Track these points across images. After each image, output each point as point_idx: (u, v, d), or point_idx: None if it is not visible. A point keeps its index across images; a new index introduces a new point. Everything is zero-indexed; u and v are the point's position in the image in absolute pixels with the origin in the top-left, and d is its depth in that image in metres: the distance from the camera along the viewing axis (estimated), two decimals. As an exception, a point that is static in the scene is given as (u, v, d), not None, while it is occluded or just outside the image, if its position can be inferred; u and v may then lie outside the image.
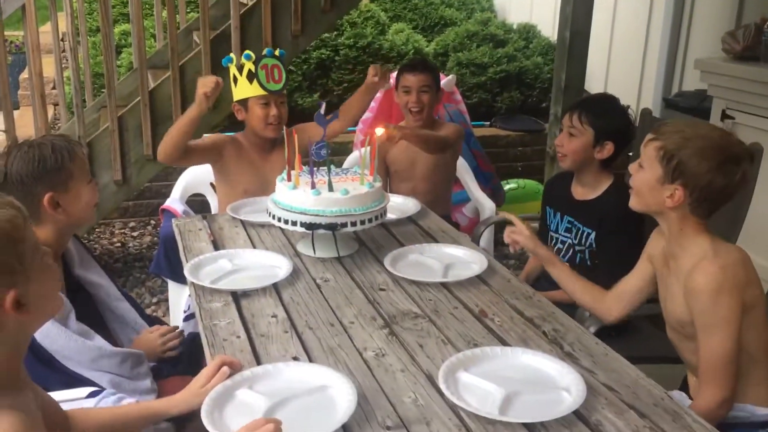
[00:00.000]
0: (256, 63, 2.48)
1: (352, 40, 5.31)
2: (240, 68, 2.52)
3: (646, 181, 1.74)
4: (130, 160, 3.41)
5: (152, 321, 2.16)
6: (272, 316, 1.77)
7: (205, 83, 2.43)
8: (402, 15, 6.16)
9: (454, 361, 1.52)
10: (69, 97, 4.26)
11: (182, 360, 2.05)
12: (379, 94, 4.52)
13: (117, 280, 3.70)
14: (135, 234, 4.52)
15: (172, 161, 2.59)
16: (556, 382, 1.47)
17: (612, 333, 2.06)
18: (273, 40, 3.38)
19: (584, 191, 2.41)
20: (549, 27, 6.08)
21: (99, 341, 1.74)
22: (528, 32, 6.07)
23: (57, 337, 1.68)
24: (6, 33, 6.85)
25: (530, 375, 1.50)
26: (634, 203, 1.81)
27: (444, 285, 1.94)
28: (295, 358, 1.58)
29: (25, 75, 5.52)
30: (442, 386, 1.43)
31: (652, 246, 1.88)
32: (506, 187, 4.62)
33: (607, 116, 2.35)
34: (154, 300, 3.67)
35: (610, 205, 2.32)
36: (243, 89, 2.55)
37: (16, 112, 5.74)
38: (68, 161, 1.82)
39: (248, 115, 2.61)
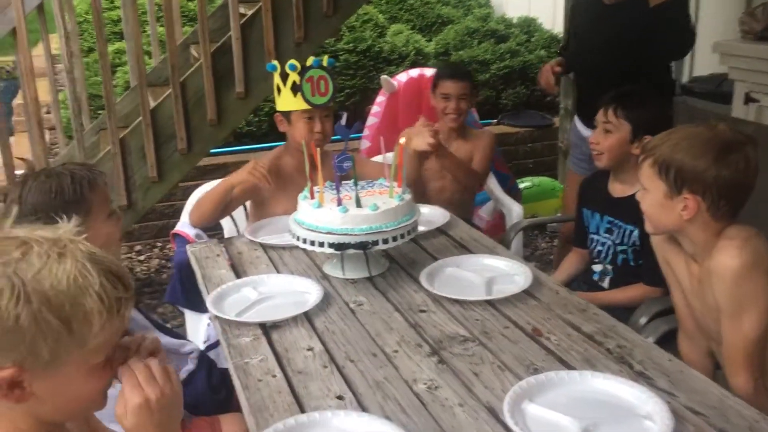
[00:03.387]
0: (301, 74, 2.30)
1: (351, 44, 5.17)
2: (284, 78, 2.34)
3: (655, 202, 1.65)
4: (135, 184, 3.26)
5: (180, 336, 2.02)
6: (308, 349, 1.62)
7: (257, 168, 2.31)
8: (399, 16, 6.02)
9: (518, 391, 1.37)
10: (65, 121, 4.11)
11: (205, 398, 1.90)
12: (383, 98, 4.39)
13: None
14: (142, 258, 4.37)
15: (209, 225, 2.49)
16: (635, 409, 1.32)
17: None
18: (276, 49, 3.23)
19: (623, 188, 2.28)
20: (549, 19, 5.94)
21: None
22: (529, 26, 5.94)
23: None
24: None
25: (604, 402, 1.35)
26: (651, 229, 1.73)
27: (489, 302, 1.80)
28: (340, 398, 1.43)
29: (19, 100, 5.36)
30: (509, 421, 1.29)
31: (675, 267, 1.76)
32: (520, 186, 4.48)
33: (644, 108, 2.22)
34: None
35: None
36: (286, 101, 2.37)
37: (11, 139, 5.62)
38: (88, 192, 1.68)
39: (290, 128, 2.44)
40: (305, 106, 2.34)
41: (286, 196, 2.35)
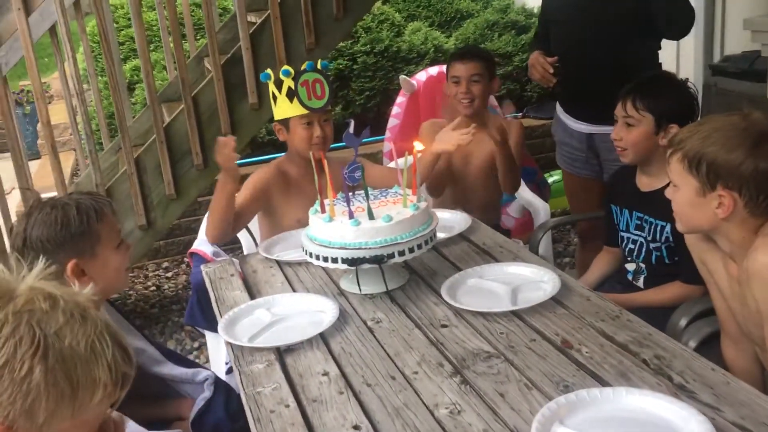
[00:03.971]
0: (296, 79, 2.23)
1: (368, 46, 5.07)
2: (279, 85, 2.28)
3: (686, 200, 1.52)
4: (152, 203, 3.22)
5: (194, 365, 1.96)
6: (323, 374, 1.53)
7: (217, 149, 2.19)
8: (416, 13, 5.91)
9: (546, 414, 1.26)
10: (84, 143, 4.10)
11: (224, 426, 1.83)
12: (403, 98, 4.30)
13: (154, 334, 3.55)
14: (169, 275, 4.35)
15: (226, 238, 2.39)
16: (676, 429, 1.20)
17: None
18: (287, 57, 3.15)
19: (650, 181, 2.15)
20: (571, 6, 5.78)
21: (132, 426, 1.52)
22: (550, 14, 5.78)
23: None
24: (23, 83, 6.84)
25: (642, 422, 1.24)
26: (682, 228, 1.61)
27: (514, 313, 1.69)
28: (356, 427, 1.34)
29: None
30: (538, 448, 1.19)
31: (712, 268, 1.63)
32: (550, 180, 4.34)
33: (665, 96, 2.09)
34: (196, 345, 3.48)
35: None
36: (283, 108, 2.31)
37: (37, 162, 5.67)
38: (95, 223, 1.63)
39: (290, 136, 2.37)
40: (302, 110, 2.27)
41: (294, 205, 2.28)
